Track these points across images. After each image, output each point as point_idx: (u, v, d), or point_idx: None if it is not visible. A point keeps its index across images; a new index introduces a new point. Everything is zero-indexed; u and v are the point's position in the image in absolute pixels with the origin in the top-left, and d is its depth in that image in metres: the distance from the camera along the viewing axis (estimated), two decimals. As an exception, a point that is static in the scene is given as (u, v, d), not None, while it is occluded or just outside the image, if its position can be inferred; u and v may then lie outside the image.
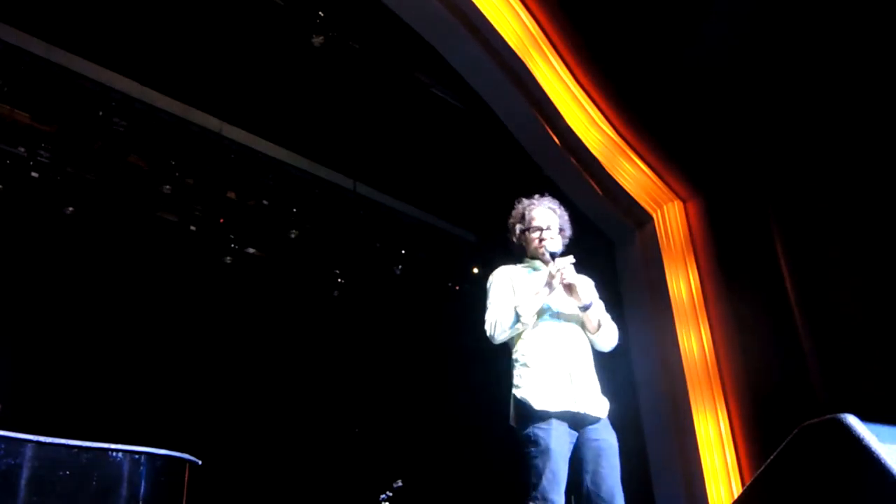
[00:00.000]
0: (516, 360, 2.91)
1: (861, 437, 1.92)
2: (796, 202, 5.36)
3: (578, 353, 2.87)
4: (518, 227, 3.12)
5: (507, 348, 3.04)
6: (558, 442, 2.65)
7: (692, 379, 5.87)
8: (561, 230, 3.10)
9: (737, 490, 5.33)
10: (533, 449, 2.66)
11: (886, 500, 1.86)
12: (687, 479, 5.76)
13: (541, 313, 2.89)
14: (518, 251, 3.17)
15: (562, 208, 3.17)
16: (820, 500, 2.05)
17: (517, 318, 2.84)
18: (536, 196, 3.17)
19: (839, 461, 2.00)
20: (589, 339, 2.96)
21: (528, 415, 2.72)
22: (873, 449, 1.89)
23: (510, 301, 2.93)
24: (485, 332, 2.97)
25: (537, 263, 3.09)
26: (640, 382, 6.27)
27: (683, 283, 6.16)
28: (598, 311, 2.94)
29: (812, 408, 4.74)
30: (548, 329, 2.88)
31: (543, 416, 2.69)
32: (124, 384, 6.99)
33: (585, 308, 2.88)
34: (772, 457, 2.17)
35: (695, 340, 5.95)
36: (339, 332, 8.76)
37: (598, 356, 3.01)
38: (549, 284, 2.83)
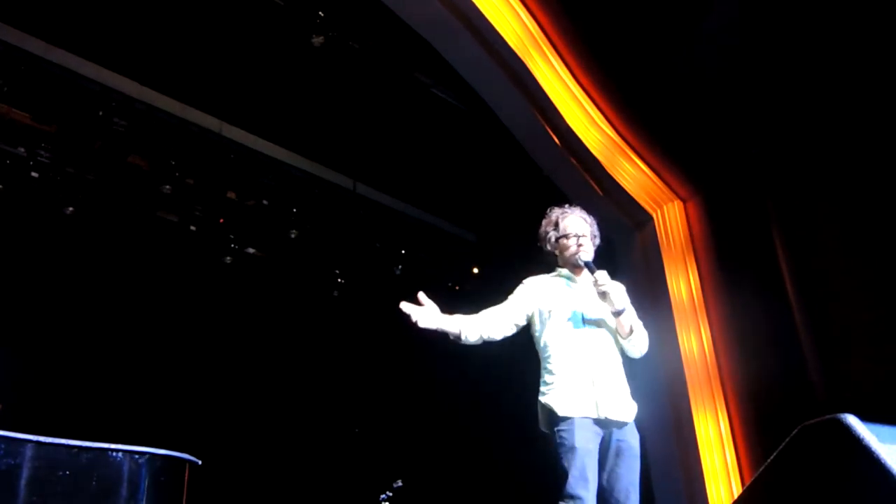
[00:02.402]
0: (544, 366, 2.97)
1: (861, 437, 1.92)
2: (796, 202, 5.35)
3: (604, 359, 2.89)
4: (553, 234, 3.15)
5: (534, 353, 3.11)
6: (583, 440, 2.69)
7: (692, 379, 5.86)
8: (593, 237, 3.17)
9: (737, 490, 5.33)
10: (560, 449, 2.72)
11: (886, 500, 1.86)
12: (687, 479, 5.75)
13: (574, 320, 2.93)
14: (550, 258, 3.20)
15: (591, 217, 3.23)
16: (820, 500, 2.05)
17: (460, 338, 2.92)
18: (567, 205, 3.23)
19: (839, 461, 2.00)
20: (620, 344, 2.98)
21: (554, 420, 2.80)
22: (873, 449, 1.89)
23: (508, 312, 3.01)
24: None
25: (566, 272, 3.13)
26: (640, 382, 6.25)
27: (683, 283, 6.15)
28: (630, 317, 2.95)
29: (812, 408, 4.74)
30: (576, 335, 2.92)
31: (567, 420, 2.76)
32: (124, 384, 6.99)
33: (618, 313, 2.91)
34: (772, 457, 2.18)
35: (695, 340, 5.94)
36: (339, 332, 8.76)
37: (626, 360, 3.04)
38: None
